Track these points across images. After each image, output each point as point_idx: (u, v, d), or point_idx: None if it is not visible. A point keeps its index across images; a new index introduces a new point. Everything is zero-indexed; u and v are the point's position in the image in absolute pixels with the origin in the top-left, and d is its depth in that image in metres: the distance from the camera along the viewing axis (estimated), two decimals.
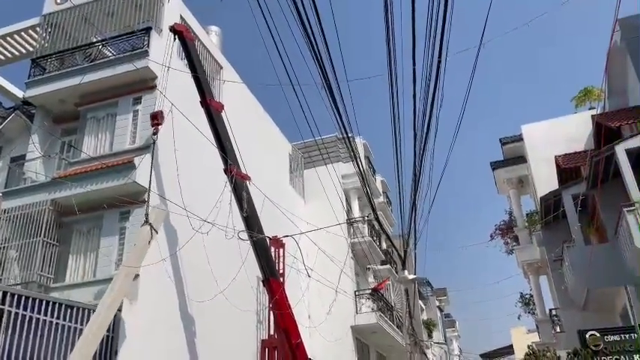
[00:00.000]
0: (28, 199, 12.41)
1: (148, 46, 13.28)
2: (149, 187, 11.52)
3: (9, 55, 16.36)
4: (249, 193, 12.87)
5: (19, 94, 16.66)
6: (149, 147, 12.39)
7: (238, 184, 12.57)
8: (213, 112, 12.95)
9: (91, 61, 13.79)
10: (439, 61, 6.71)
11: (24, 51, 16.16)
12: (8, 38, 15.91)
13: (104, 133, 13.47)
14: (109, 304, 9.76)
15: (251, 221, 12.60)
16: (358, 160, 11.86)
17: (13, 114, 15.40)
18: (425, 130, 8.52)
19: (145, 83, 13.34)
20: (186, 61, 14.93)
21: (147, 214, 11.19)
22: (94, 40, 14.77)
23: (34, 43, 15.33)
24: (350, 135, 10.19)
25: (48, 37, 14.87)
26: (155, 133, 12.13)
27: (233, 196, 12.57)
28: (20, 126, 15.19)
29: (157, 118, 12.14)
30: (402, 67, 7.87)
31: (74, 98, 13.82)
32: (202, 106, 13.07)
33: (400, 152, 10.00)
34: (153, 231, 11.11)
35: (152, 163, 11.82)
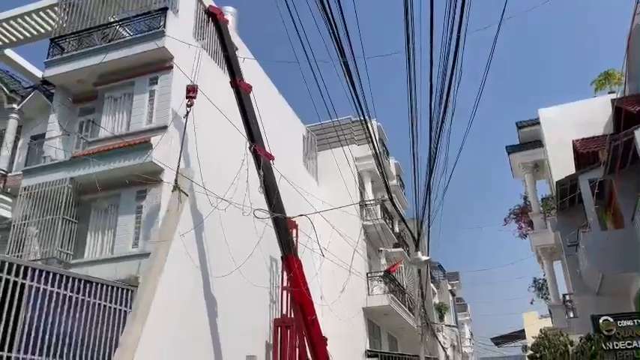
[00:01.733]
0: (48, 177, 12.64)
1: (165, 27, 13.32)
2: (180, 155, 11.93)
3: (28, 34, 16.50)
4: (273, 173, 13.29)
5: (39, 74, 16.85)
6: (166, 127, 12.56)
7: (264, 165, 12.96)
8: (242, 92, 13.33)
9: (109, 42, 13.88)
10: (458, 37, 6.65)
11: (43, 31, 16.29)
12: (27, 17, 16.03)
13: (121, 112, 13.60)
14: (153, 277, 10.48)
15: (273, 200, 13.01)
16: (375, 140, 11.86)
17: (32, 93, 15.60)
18: (443, 108, 8.46)
19: (162, 63, 13.42)
20: (202, 42, 15.06)
21: (176, 180, 11.65)
22: (112, 20, 14.84)
23: (53, 23, 15.44)
24: (366, 117, 10.19)
25: (66, 17, 14.97)
26: (190, 106, 12.42)
27: (257, 175, 12.95)
28: (40, 105, 15.39)
29: (192, 92, 12.44)
30: (421, 44, 7.84)
31: (92, 78, 13.95)
32: (232, 87, 13.49)
33: (416, 129, 9.96)
34: (182, 194, 11.63)
35: (185, 132, 12.22)
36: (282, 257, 13.78)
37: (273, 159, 13.66)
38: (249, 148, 13.25)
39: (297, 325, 14.13)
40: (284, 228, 13.48)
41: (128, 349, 9.83)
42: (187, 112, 12.35)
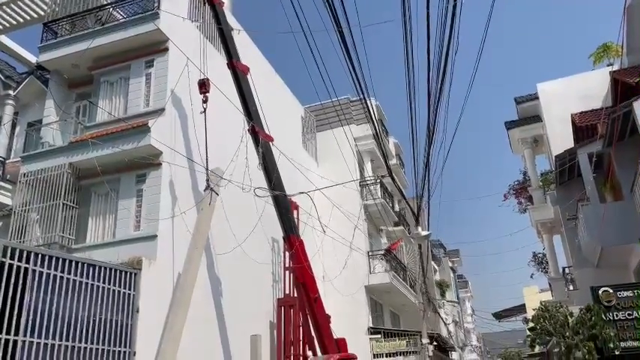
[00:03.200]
0: (47, 163, 12.62)
1: (159, 8, 13.18)
2: (206, 151, 12.11)
3: (21, 19, 16.32)
4: (272, 154, 13.39)
5: (33, 59, 16.73)
6: (163, 110, 12.52)
7: (264, 146, 13.05)
8: (239, 73, 13.31)
9: (102, 25, 13.74)
10: (454, 4, 6.57)
11: (35, 15, 16.12)
12: (19, 2, 15.85)
13: (118, 96, 13.53)
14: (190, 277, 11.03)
15: (273, 180, 13.11)
16: (374, 119, 11.85)
17: (27, 79, 15.50)
18: (440, 78, 8.40)
19: (157, 46, 13.30)
20: (196, 24, 14.94)
21: (207, 180, 12.07)
22: (105, 2, 14.67)
23: (45, 7, 15.27)
24: (365, 95, 10.16)
25: (58, 0, 14.79)
26: (205, 102, 12.53)
27: (257, 156, 13.03)
28: (35, 91, 15.31)
29: (204, 87, 12.56)
30: (417, 13, 7.77)
31: (87, 62, 13.84)
32: (229, 68, 13.42)
33: (414, 101, 9.91)
34: (214, 193, 11.98)
35: (206, 129, 12.35)
36: (283, 237, 13.85)
37: (272, 140, 13.67)
38: (248, 129, 13.23)
39: (301, 304, 14.28)
40: (285, 207, 13.55)
41: (172, 340, 10.40)
42: (204, 109, 12.46)
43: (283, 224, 13.35)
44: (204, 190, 12.15)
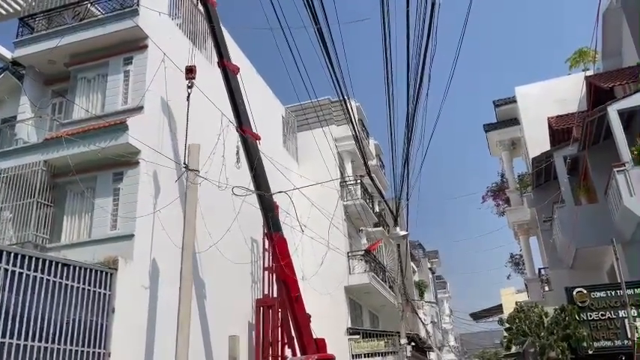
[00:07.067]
0: (21, 160, 12.36)
1: (138, 5, 13.02)
2: (185, 134, 11.92)
3: None
4: (259, 152, 13.63)
5: (8, 55, 16.36)
6: (141, 108, 12.38)
7: (250, 144, 13.37)
8: (229, 73, 13.55)
9: (80, 20, 13.53)
10: (433, 3, 6.63)
11: (11, 10, 15.80)
12: None
13: (95, 93, 13.32)
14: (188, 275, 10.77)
15: (259, 180, 13.45)
16: (354, 120, 11.91)
17: (2, 74, 15.17)
18: (419, 76, 8.46)
19: (136, 43, 13.14)
20: (177, 22, 14.82)
21: (185, 162, 11.39)
22: None
23: (22, 2, 14.98)
24: (345, 96, 10.19)
25: None
26: (190, 87, 12.53)
27: (244, 154, 13.33)
28: (10, 87, 14.97)
29: (191, 72, 12.62)
30: (395, 12, 7.83)
31: (63, 58, 13.61)
32: (219, 67, 13.65)
33: (392, 99, 9.98)
34: (193, 173, 11.26)
35: (187, 115, 12.24)
36: (265, 234, 13.95)
37: (260, 139, 13.89)
38: (236, 128, 13.48)
39: (282, 303, 14.27)
40: (269, 206, 13.73)
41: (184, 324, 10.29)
42: (189, 94, 12.44)
43: (267, 222, 13.39)
44: (185, 169, 11.55)
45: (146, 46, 13.01)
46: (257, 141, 13.89)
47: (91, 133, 11.98)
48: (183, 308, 10.36)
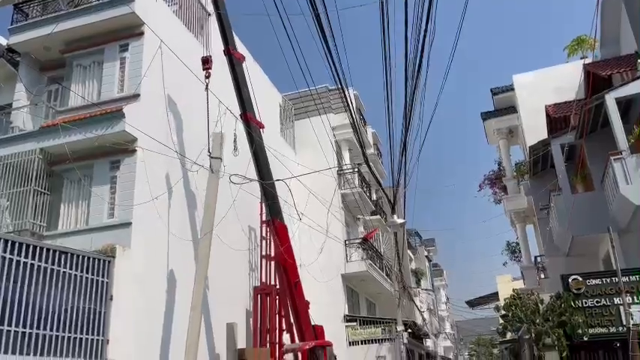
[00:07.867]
0: (17, 147, 12.29)
1: None
2: (207, 124, 12.11)
3: None
4: (262, 141, 13.89)
5: (3, 41, 16.21)
6: (138, 95, 12.30)
7: (256, 133, 13.65)
8: (235, 61, 13.72)
9: (75, 7, 13.39)
10: None
11: None
12: None
13: (91, 81, 13.23)
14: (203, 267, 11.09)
15: (262, 168, 13.71)
16: (351, 108, 11.88)
17: None
18: (417, 63, 8.43)
19: (132, 30, 13.02)
20: (173, 9, 14.70)
21: (209, 150, 11.84)
22: None
23: None
24: (343, 84, 10.17)
25: None
26: (207, 77, 12.70)
27: (247, 142, 13.55)
28: (5, 74, 14.86)
29: (207, 63, 12.78)
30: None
31: (59, 45, 13.50)
32: (225, 55, 13.76)
33: (391, 83, 9.94)
34: (217, 160, 11.73)
35: (208, 105, 12.36)
36: (263, 222, 14.02)
37: (264, 127, 14.08)
38: (240, 116, 13.64)
39: (282, 289, 14.36)
40: (270, 193, 13.90)
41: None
42: (207, 85, 12.55)
43: (268, 209, 13.51)
44: (211, 158, 11.96)
45: (142, 33, 12.89)
46: (262, 129, 14.13)
47: (87, 120, 11.91)
48: (197, 287, 10.84)
